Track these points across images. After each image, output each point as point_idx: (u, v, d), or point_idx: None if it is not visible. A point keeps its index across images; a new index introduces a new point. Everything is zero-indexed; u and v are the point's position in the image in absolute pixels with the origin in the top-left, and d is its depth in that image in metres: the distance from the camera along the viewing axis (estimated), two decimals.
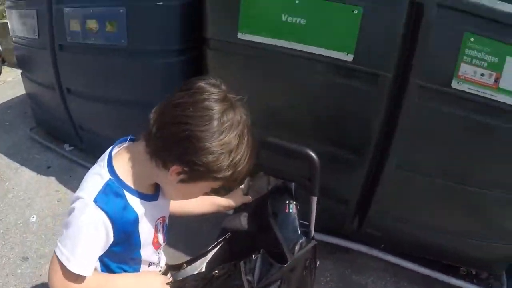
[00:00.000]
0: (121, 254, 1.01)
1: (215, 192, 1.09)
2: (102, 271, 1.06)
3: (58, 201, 2.84)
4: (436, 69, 1.50)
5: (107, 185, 0.90)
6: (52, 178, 3.10)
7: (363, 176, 1.83)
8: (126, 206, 0.93)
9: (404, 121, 1.63)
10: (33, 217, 2.70)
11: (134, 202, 0.94)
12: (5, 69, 5.72)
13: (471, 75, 1.45)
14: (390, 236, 2.00)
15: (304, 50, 1.65)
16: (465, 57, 1.43)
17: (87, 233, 0.88)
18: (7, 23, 5.80)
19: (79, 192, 0.90)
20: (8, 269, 2.31)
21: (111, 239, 0.92)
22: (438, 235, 1.88)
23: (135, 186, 0.94)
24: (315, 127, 1.81)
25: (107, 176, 0.91)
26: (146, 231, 1.01)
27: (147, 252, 1.06)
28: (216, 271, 1.01)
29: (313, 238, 1.26)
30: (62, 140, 3.47)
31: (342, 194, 1.94)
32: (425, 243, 1.94)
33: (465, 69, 1.44)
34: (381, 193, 1.84)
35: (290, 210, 1.22)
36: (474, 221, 1.80)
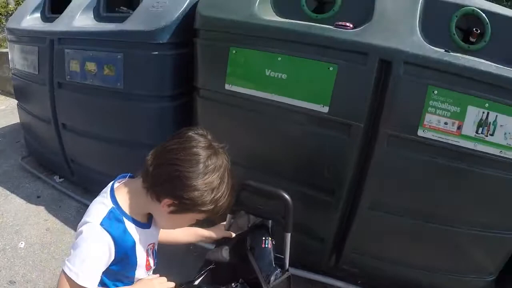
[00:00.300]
0: (118, 272, 1.13)
1: (200, 223, 1.22)
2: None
3: (46, 230, 2.86)
4: (403, 119, 1.62)
5: (111, 212, 1.05)
6: (42, 208, 3.12)
7: (338, 216, 1.90)
8: (125, 230, 1.08)
9: (375, 166, 1.73)
10: (22, 243, 2.72)
11: (131, 228, 1.09)
12: None
13: (436, 124, 1.57)
14: (366, 272, 2.06)
15: (284, 101, 1.78)
16: (429, 108, 1.55)
17: (95, 251, 1.01)
18: (4, 52, 5.96)
19: (86, 218, 1.04)
20: None
21: (112, 257, 1.06)
22: (413, 271, 1.93)
23: (132, 215, 1.10)
24: (293, 170, 1.90)
25: (110, 204, 1.06)
26: (140, 254, 1.15)
27: (140, 272, 1.19)
28: None
29: (287, 270, 1.39)
30: (52, 172, 3.51)
31: (318, 232, 2.01)
32: (401, 278, 1.99)
33: (429, 118, 1.57)
34: (355, 232, 1.91)
35: (266, 246, 1.34)
36: (445, 256, 1.86)
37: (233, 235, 1.46)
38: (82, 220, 1.05)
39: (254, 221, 1.46)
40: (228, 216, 1.46)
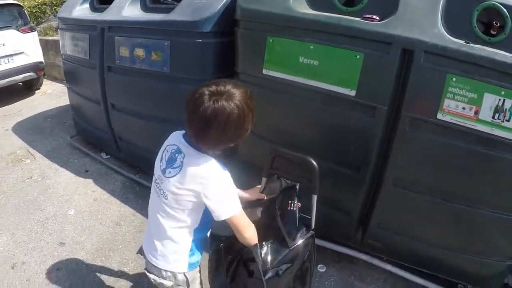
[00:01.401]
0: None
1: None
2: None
3: (94, 200, 3.15)
4: (424, 103, 1.70)
5: (215, 160, 1.29)
6: (90, 180, 3.42)
7: (363, 191, 2.01)
8: None
9: (398, 146, 1.82)
10: (71, 210, 3.02)
11: None
12: (45, 82, 6.15)
13: (454, 109, 1.64)
14: (390, 248, 2.13)
15: (316, 85, 1.92)
16: (448, 94, 1.63)
17: (231, 187, 1.30)
18: (49, 40, 6.34)
19: (204, 174, 1.25)
20: (46, 251, 2.63)
21: None
22: (434, 249, 1.98)
23: None
24: (323, 148, 2.03)
25: (209, 157, 1.29)
26: None
27: None
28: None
29: (312, 229, 1.55)
30: (99, 149, 3.80)
31: (346, 206, 2.13)
32: (422, 256, 2.04)
33: (448, 103, 1.64)
34: (380, 207, 2.01)
35: (291, 208, 1.51)
36: (465, 236, 1.90)
37: (265, 197, 1.65)
38: (199, 181, 1.25)
39: (285, 185, 1.62)
40: (263, 179, 1.64)
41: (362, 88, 1.83)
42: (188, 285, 1.47)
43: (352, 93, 1.86)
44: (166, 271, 1.42)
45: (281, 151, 1.58)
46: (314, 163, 1.50)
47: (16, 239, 2.78)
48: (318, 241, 2.33)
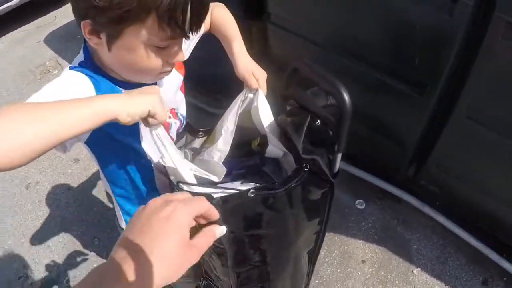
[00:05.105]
0: (122, 143, 0.95)
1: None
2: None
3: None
4: None
5: (82, 62, 0.87)
6: None
7: (425, 118, 1.64)
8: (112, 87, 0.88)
9: (482, 63, 1.35)
10: None
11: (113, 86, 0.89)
12: None
13: None
14: (446, 195, 1.84)
15: None
16: None
17: (57, 81, 0.80)
18: None
19: None
20: (60, 168, 2.68)
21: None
22: (499, 205, 1.66)
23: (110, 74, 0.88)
24: (377, 53, 1.63)
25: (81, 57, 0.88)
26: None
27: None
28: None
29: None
30: None
31: (399, 134, 1.79)
32: (483, 210, 1.73)
33: None
34: (444, 142, 1.65)
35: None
36: None
37: None
38: None
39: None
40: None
41: None
42: None
43: None
44: None
45: (304, 61, 0.93)
46: (347, 98, 0.83)
47: None
48: (360, 172, 2.06)
